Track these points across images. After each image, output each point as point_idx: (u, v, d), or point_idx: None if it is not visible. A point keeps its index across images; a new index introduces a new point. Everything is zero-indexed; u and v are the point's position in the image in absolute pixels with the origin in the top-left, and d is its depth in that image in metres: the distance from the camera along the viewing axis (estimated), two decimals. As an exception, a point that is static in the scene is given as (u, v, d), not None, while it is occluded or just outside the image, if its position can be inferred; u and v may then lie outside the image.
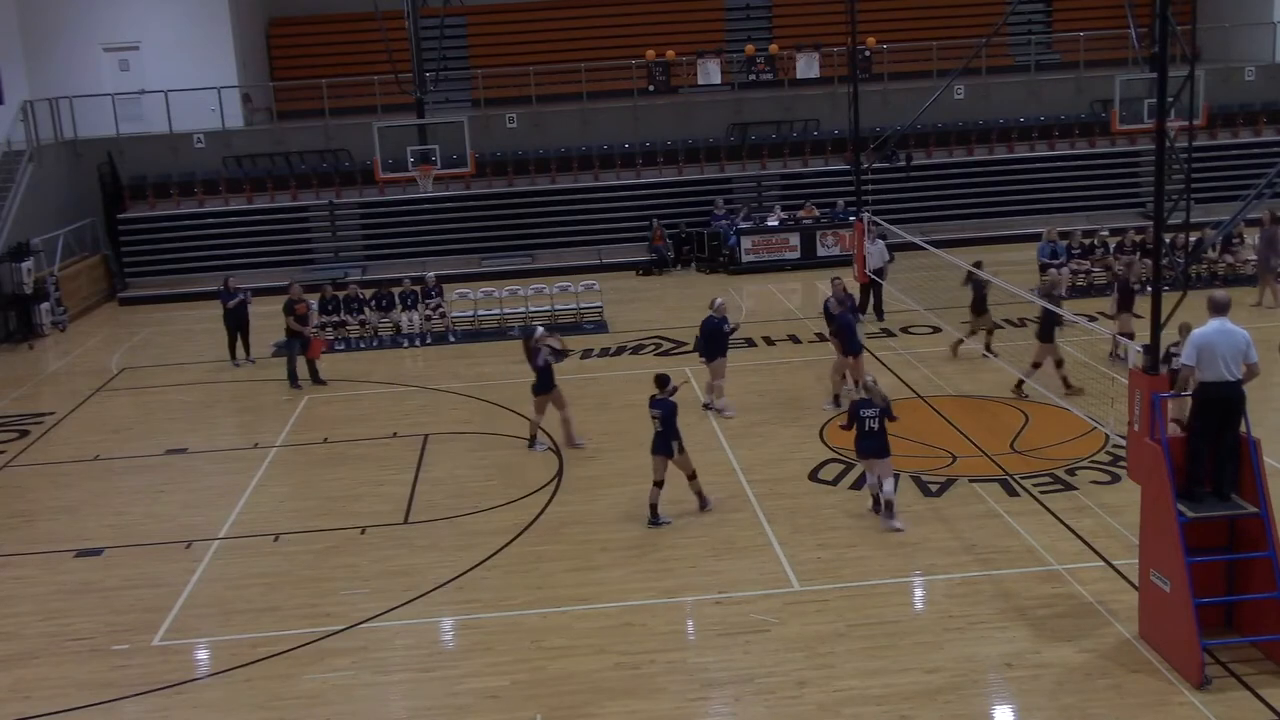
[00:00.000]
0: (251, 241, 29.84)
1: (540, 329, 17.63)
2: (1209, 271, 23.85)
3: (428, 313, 23.09)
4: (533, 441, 16.29)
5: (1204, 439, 10.04)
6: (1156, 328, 10.46)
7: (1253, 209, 22.52)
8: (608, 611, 11.49)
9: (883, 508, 13.09)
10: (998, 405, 16.94)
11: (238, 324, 21.62)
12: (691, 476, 13.61)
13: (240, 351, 21.77)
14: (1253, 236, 23.34)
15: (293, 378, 20.10)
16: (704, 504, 13.71)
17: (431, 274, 24.48)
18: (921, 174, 29.68)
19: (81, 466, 16.90)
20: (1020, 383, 17.03)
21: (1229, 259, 23.77)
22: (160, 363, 22.74)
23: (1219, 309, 10.09)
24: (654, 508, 13.45)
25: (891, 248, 25.40)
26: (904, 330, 21.41)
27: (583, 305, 24.14)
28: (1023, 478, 14.24)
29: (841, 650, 10.51)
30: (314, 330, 20.46)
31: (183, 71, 31.13)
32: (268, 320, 22.01)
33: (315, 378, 20.18)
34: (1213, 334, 9.95)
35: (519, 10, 36.92)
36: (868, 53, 30.90)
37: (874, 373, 18.92)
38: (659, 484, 13.42)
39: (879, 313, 22.55)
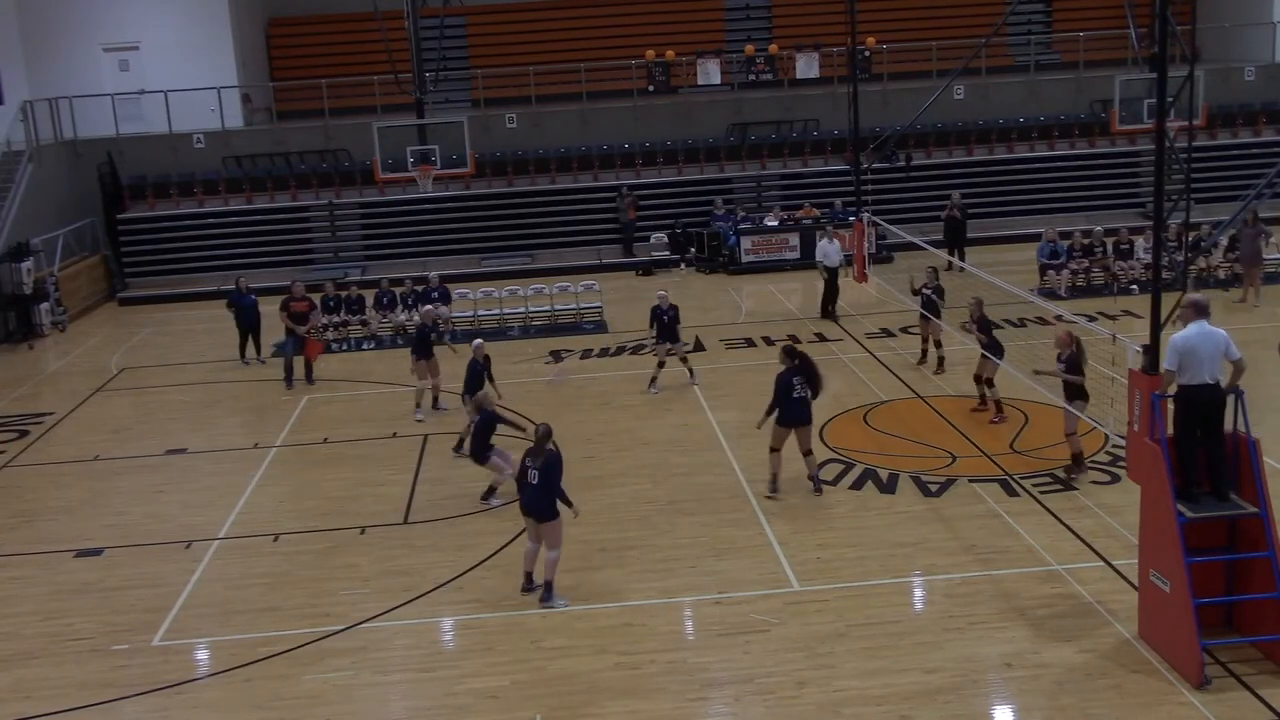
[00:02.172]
0: (251, 242, 29.83)
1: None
2: (1210, 274, 23.86)
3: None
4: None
5: (1187, 441, 10.05)
6: (1156, 327, 10.46)
7: (1252, 209, 22.60)
8: (608, 611, 11.48)
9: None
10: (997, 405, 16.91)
11: (249, 324, 21.63)
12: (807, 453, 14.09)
13: (250, 351, 21.77)
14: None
15: (288, 376, 20.12)
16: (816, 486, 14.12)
17: (434, 274, 24.46)
18: (921, 174, 29.70)
19: (81, 466, 16.90)
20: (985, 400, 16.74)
21: (1233, 257, 23.79)
22: (160, 363, 22.74)
23: (1200, 312, 10.08)
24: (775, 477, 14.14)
25: (891, 248, 25.44)
26: (904, 330, 21.40)
27: (582, 305, 24.15)
28: (1022, 478, 14.24)
29: (841, 650, 10.51)
30: (308, 331, 20.41)
31: (182, 71, 31.13)
32: (268, 320, 21.98)
33: (308, 377, 20.20)
34: (1194, 337, 9.94)
35: (519, 10, 36.92)
36: (867, 53, 30.92)
37: (871, 373, 18.96)
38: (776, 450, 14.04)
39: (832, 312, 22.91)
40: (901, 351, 20.14)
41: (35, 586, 12.89)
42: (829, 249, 22.87)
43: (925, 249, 22.66)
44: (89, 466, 16.88)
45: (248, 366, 21.59)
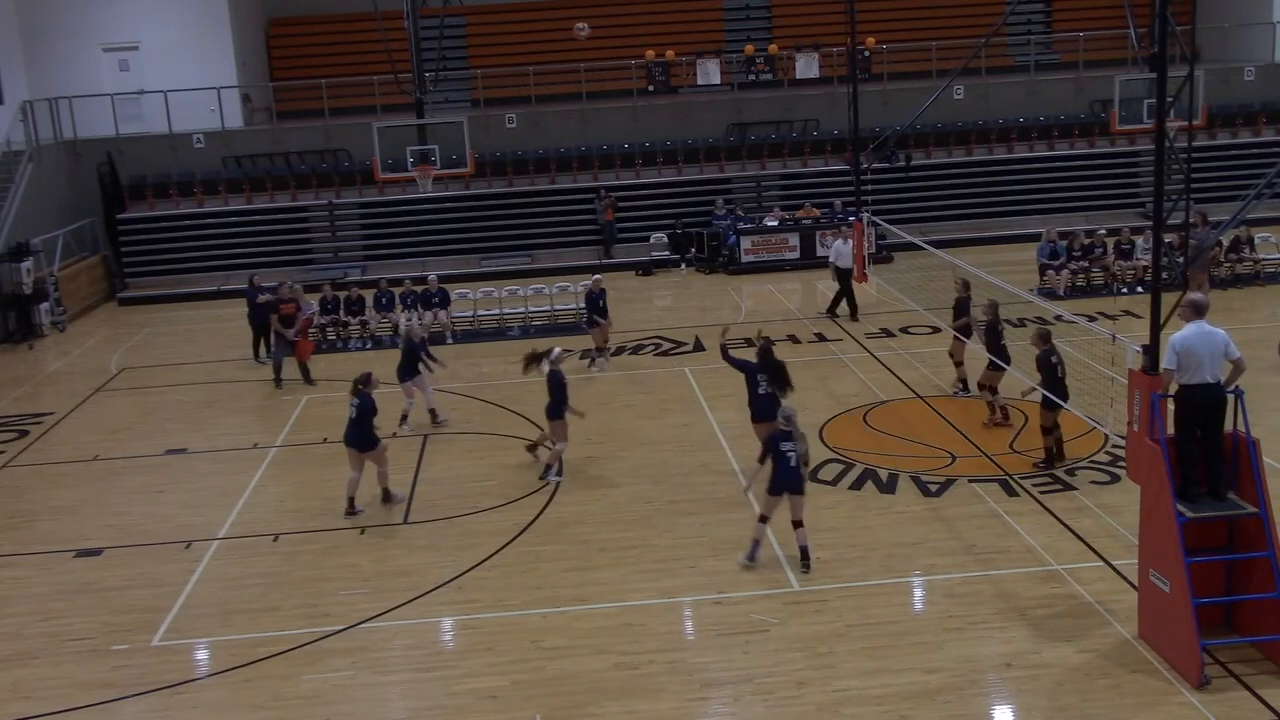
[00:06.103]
0: (251, 242, 29.84)
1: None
2: (1210, 274, 23.81)
3: (431, 319, 22.88)
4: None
5: (1188, 441, 10.06)
6: (1156, 328, 10.46)
7: (1253, 209, 22.59)
8: (607, 611, 11.49)
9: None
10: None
11: (263, 322, 21.57)
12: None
13: (264, 349, 21.68)
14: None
15: (277, 378, 20.09)
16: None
17: (433, 275, 24.43)
18: (921, 174, 29.71)
19: (81, 466, 16.90)
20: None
21: (1235, 258, 23.75)
22: (160, 363, 22.74)
23: (1199, 312, 10.09)
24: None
25: (891, 248, 25.37)
26: (904, 330, 21.41)
27: (582, 305, 24.07)
28: (1022, 478, 14.24)
29: (841, 650, 10.51)
30: (296, 334, 20.37)
31: (182, 71, 31.15)
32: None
33: (306, 378, 20.19)
34: (1192, 337, 9.95)
35: (519, 10, 36.93)
36: (867, 53, 30.91)
37: (872, 373, 18.96)
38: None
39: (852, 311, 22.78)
40: (901, 351, 20.14)
41: (35, 586, 12.89)
42: (843, 249, 22.77)
43: (925, 249, 22.65)
44: (89, 466, 16.88)
45: (263, 365, 21.28)
